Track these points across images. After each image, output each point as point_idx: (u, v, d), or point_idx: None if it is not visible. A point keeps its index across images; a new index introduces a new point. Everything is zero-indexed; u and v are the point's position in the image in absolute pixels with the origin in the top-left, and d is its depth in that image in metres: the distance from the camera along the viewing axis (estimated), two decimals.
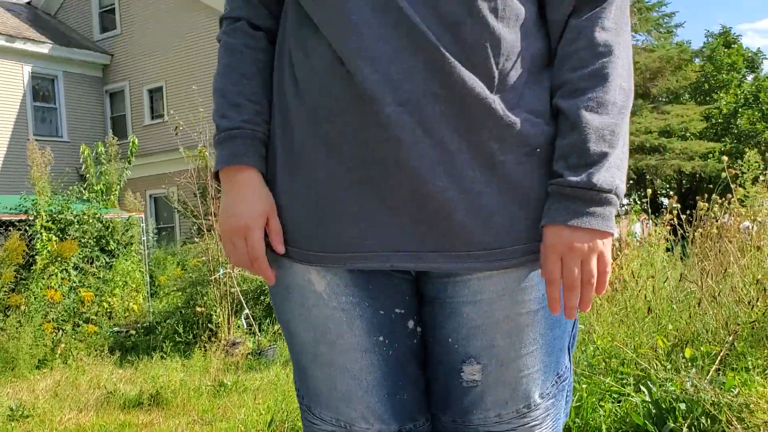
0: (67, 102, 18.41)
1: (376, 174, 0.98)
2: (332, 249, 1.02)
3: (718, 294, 3.34)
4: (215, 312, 6.77)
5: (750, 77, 34.43)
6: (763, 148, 29.21)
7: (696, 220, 5.23)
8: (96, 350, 7.07)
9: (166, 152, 16.36)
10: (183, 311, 7.42)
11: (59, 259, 8.15)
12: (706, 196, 5.84)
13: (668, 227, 5.24)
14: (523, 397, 1.07)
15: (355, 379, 1.07)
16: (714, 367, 2.95)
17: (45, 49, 17.47)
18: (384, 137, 0.95)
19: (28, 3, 20.16)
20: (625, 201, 29.94)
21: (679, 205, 5.35)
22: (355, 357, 1.06)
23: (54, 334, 7.22)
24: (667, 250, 5.59)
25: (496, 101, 0.96)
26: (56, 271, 8.10)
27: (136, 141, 12.71)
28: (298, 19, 1.06)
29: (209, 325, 6.79)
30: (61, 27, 19.44)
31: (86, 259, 8.73)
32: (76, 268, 8.47)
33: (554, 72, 1.01)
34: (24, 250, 7.71)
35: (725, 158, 5.30)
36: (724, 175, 5.39)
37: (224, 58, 1.13)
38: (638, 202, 28.20)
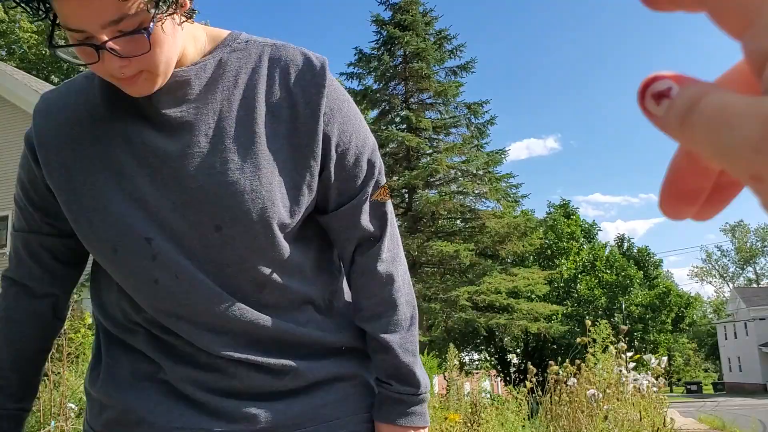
0: None
1: None
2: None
3: None
4: None
5: (587, 246, 37.52)
6: (599, 312, 31.36)
7: (547, 383, 5.46)
8: None
9: None
10: None
11: None
12: (558, 359, 6.14)
13: (527, 391, 5.42)
14: None
15: None
16: None
17: None
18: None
19: None
20: (476, 356, 30.71)
21: (533, 369, 5.57)
22: None
23: None
24: (519, 412, 5.75)
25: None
26: None
27: None
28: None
29: None
30: None
31: None
32: None
33: (352, 299, 1.21)
34: None
35: (587, 323, 5.63)
36: (578, 340, 5.72)
37: None
38: (488, 359, 29.01)
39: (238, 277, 1.08)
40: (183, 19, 1.00)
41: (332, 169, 1.11)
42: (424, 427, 1.21)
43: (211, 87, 1.07)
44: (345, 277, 1.24)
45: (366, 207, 1.16)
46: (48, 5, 0.90)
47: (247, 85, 1.08)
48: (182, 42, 1.03)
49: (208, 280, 1.06)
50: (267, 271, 1.10)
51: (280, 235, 1.08)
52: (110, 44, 0.92)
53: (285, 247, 1.10)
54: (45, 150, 1.10)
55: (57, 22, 0.91)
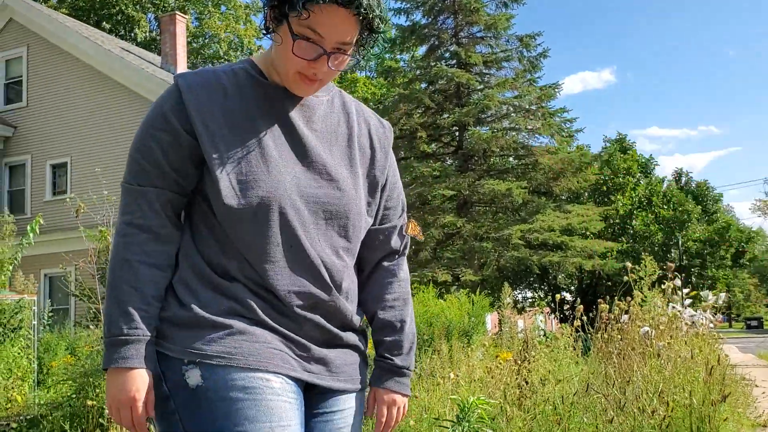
0: None
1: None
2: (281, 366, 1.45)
3: (623, 405, 3.38)
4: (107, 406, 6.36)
5: (644, 181, 36.67)
6: (656, 248, 30.85)
7: (598, 321, 5.38)
8: None
9: (64, 230, 15.71)
10: (72, 403, 6.93)
11: None
12: (607, 297, 6.03)
13: (574, 329, 5.35)
14: None
15: None
16: None
17: None
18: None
19: None
20: (529, 294, 30.69)
21: (582, 307, 5.49)
22: None
23: None
24: (572, 347, 5.70)
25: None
26: None
27: (41, 219, 12.11)
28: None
29: (100, 419, 6.36)
30: None
31: None
32: None
33: (373, 294, 1.64)
34: None
35: (619, 264, 5.51)
36: (625, 279, 5.60)
37: (122, 268, 1.43)
38: (541, 297, 28.99)
39: (332, 257, 1.49)
40: None
41: (384, 198, 1.65)
42: (408, 396, 1.66)
43: (327, 118, 1.56)
44: (363, 276, 1.65)
45: (396, 231, 1.66)
46: (308, 8, 1.35)
47: (347, 124, 1.59)
48: None
49: (310, 257, 1.45)
50: (350, 258, 1.54)
51: (362, 234, 1.56)
52: (333, 55, 1.41)
53: (359, 243, 1.57)
54: (201, 119, 1.42)
55: (298, 17, 1.36)
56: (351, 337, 1.57)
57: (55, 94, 18.08)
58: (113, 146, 16.65)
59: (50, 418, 6.94)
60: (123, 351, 1.39)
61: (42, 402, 8.52)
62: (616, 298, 5.48)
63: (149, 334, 1.41)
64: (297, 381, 1.46)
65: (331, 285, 1.49)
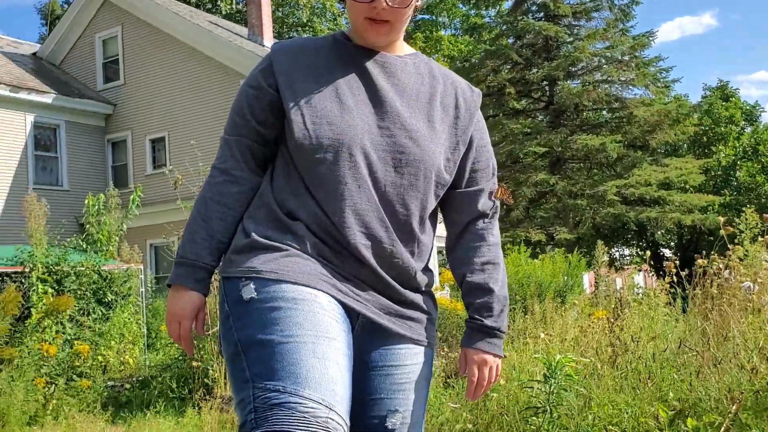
0: (68, 151, 18.50)
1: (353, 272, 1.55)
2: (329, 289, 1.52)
3: (720, 361, 3.27)
4: (212, 367, 6.66)
5: (748, 129, 34.71)
6: (763, 200, 29.27)
7: (696, 277, 5.18)
8: (88, 406, 6.94)
9: (166, 202, 16.39)
10: (179, 365, 7.31)
11: (55, 311, 8.06)
12: (704, 252, 5.79)
13: (668, 285, 5.18)
14: None
15: (340, 371, 1.40)
16: None
17: (48, 99, 17.63)
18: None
19: (34, 54, 20.40)
20: (626, 252, 29.84)
21: (677, 260, 5.30)
22: (340, 355, 1.42)
23: (46, 388, 7.10)
24: (668, 304, 5.53)
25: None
26: (51, 324, 8.01)
27: (140, 191, 12.69)
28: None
29: (205, 379, 6.68)
30: (65, 77, 19.63)
31: (82, 311, 8.65)
32: (71, 320, 8.38)
33: (462, 257, 1.66)
34: (20, 302, 7.64)
35: (720, 218, 5.26)
36: (722, 232, 5.35)
37: (200, 203, 1.61)
38: (639, 254, 28.14)
39: (398, 206, 1.53)
40: (411, 14, 1.57)
41: (470, 160, 1.66)
42: (500, 357, 1.65)
43: (408, 76, 1.62)
44: (452, 239, 1.69)
45: (485, 194, 1.67)
46: None
47: (431, 84, 1.64)
48: (403, 30, 1.59)
49: (376, 201, 1.50)
50: (418, 210, 1.55)
51: (434, 186, 1.57)
52: None
53: (434, 196, 1.59)
54: (285, 75, 1.57)
55: None
56: (413, 295, 1.58)
57: (149, 70, 18.72)
58: (206, 119, 17.15)
59: (159, 379, 7.35)
60: (182, 271, 1.57)
61: (151, 364, 9.01)
62: (713, 252, 5.25)
63: (207, 261, 1.57)
64: (346, 310, 1.50)
65: (395, 233, 1.53)
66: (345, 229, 1.48)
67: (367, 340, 1.56)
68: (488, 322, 1.62)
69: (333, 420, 1.33)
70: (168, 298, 1.60)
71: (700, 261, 5.32)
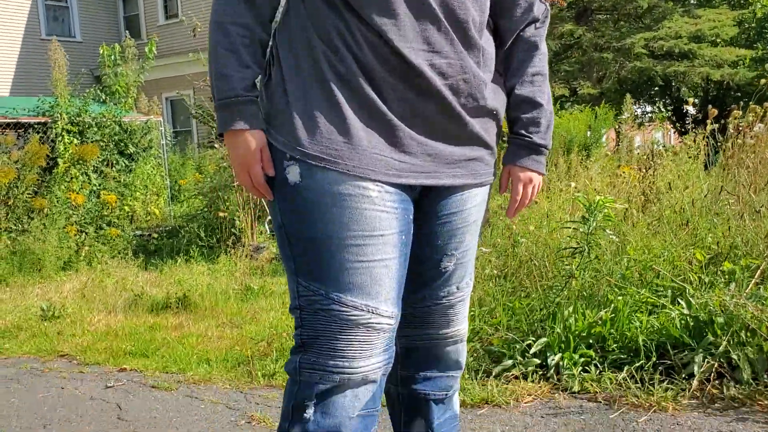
0: (78, 0, 17.99)
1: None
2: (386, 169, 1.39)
3: (762, 207, 3.23)
4: (238, 217, 6.75)
5: None
6: None
7: (730, 129, 5.06)
8: (120, 253, 7.13)
9: (181, 54, 16.06)
10: (205, 216, 7.42)
11: (80, 162, 8.11)
12: (734, 106, 5.61)
13: (700, 138, 5.08)
14: (469, 273, 1.62)
15: (387, 269, 1.38)
16: (753, 281, 2.89)
17: None
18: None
19: None
20: (648, 108, 29.31)
21: (716, 111, 5.17)
22: (389, 250, 1.38)
23: (78, 236, 7.27)
24: (693, 157, 5.45)
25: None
26: (77, 174, 8.08)
27: (155, 41, 12.39)
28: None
29: (232, 230, 6.80)
30: None
31: (105, 162, 8.70)
32: (96, 171, 8.45)
33: (513, 67, 1.55)
34: (47, 154, 7.68)
35: (749, 74, 5.05)
36: (762, 82, 5.16)
37: (218, 32, 1.41)
38: (663, 110, 27.64)
39: (460, 10, 1.38)
40: None
41: None
42: (544, 174, 1.61)
43: None
44: (503, 49, 1.55)
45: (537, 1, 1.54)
46: None
47: None
48: None
49: (433, 5, 1.35)
50: (478, 14, 1.42)
51: None
52: None
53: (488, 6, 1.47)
54: None
55: None
56: (478, 128, 1.46)
57: None
58: None
59: (187, 228, 7.49)
60: (226, 115, 1.39)
61: (177, 215, 9.17)
62: (750, 104, 5.10)
63: (249, 93, 1.39)
64: (402, 187, 1.41)
65: (459, 41, 1.39)
66: (403, 49, 1.33)
67: (426, 200, 1.50)
68: (536, 138, 1.54)
69: (373, 321, 1.37)
70: (228, 148, 1.44)
71: (735, 112, 5.19)
